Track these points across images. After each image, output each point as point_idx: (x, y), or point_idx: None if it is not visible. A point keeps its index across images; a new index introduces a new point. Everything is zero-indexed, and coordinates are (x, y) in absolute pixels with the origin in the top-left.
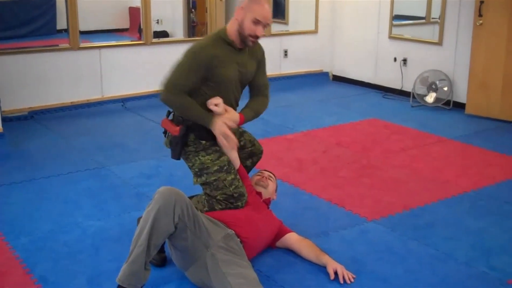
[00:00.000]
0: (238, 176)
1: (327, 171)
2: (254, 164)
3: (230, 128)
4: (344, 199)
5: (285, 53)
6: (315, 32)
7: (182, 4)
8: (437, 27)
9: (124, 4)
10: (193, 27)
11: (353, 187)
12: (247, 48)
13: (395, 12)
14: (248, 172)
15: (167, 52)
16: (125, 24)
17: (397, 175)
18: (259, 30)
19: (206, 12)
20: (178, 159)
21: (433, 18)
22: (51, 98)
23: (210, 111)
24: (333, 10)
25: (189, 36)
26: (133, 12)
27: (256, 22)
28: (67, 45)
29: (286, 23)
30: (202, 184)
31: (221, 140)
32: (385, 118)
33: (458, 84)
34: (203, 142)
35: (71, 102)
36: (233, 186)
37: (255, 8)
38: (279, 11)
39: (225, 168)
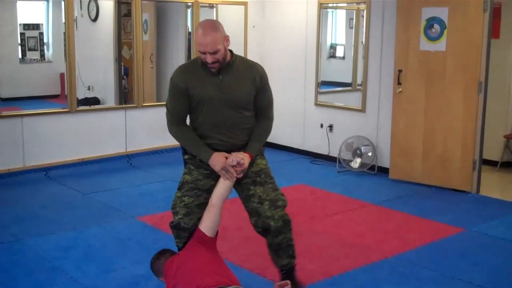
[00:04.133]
0: (187, 195)
1: (251, 239)
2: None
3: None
4: (267, 268)
5: None
6: None
7: (113, 71)
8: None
9: (56, 70)
10: (125, 94)
11: None
12: (231, 70)
13: (324, 79)
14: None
15: (92, 119)
16: (57, 91)
17: (320, 242)
18: (207, 58)
19: (134, 79)
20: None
21: (358, 85)
22: None
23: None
24: None
25: (120, 103)
26: (64, 79)
27: (202, 52)
28: None
29: None
30: None
31: (222, 174)
32: (312, 183)
33: (381, 149)
34: (185, 156)
35: None
36: (173, 202)
37: (195, 38)
38: None
39: (179, 185)
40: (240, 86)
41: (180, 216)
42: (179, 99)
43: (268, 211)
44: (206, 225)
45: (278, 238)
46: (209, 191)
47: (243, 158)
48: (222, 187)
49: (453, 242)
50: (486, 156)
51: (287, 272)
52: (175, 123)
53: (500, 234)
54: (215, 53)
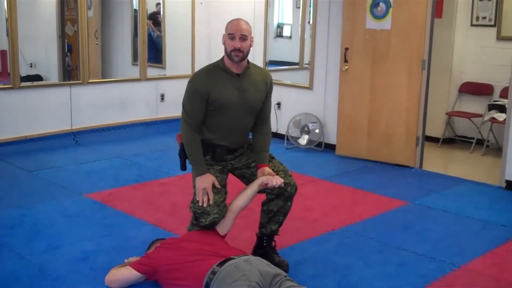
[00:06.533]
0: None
1: None
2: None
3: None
4: None
5: (162, 97)
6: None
7: (56, 48)
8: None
9: None
10: (69, 71)
11: None
12: (248, 75)
13: (272, 58)
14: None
15: (36, 96)
16: None
17: None
18: (235, 42)
19: (78, 55)
20: (182, 169)
21: (306, 64)
22: None
23: (211, 151)
24: (209, 54)
25: (64, 80)
26: (5, 56)
27: (231, 36)
28: None
29: (163, 67)
30: None
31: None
32: None
33: (328, 126)
34: None
35: None
36: (194, 204)
37: (228, 27)
38: (157, 55)
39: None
40: (256, 91)
41: (215, 216)
42: (199, 103)
43: (285, 178)
44: (221, 229)
45: (288, 204)
46: (225, 186)
47: (283, 182)
48: (244, 198)
49: (398, 214)
50: (428, 133)
51: (268, 239)
52: (190, 126)
53: (442, 206)
54: (244, 39)
